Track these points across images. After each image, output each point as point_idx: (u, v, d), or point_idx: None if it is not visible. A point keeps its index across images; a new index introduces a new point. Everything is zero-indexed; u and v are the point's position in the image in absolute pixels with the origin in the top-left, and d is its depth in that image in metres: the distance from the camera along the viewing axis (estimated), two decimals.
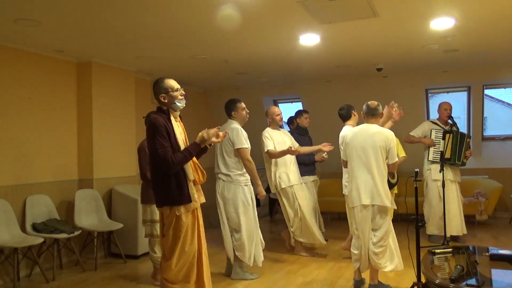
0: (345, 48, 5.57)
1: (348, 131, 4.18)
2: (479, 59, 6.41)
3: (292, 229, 5.35)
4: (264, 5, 3.86)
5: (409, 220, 3.61)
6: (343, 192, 4.77)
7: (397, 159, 3.92)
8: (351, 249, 4.02)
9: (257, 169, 4.63)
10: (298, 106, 8.61)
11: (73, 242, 5.16)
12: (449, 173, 5.64)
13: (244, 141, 4.41)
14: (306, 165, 5.66)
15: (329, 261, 5.14)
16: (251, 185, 4.61)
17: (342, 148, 4.08)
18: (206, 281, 3.19)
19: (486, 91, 7.99)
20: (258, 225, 4.60)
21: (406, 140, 5.93)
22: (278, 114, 5.34)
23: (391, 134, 3.90)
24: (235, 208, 4.42)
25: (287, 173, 5.28)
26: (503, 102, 12.61)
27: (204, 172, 3.27)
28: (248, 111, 4.64)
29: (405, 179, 3.90)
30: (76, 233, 4.86)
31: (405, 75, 7.45)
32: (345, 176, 4.68)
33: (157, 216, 4.17)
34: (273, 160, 5.26)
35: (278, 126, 5.43)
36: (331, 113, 7.63)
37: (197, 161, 3.25)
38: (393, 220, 7.33)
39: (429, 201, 5.79)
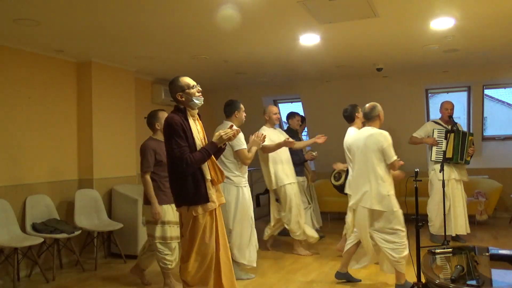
0: (345, 48, 5.57)
1: (348, 136, 4.44)
2: (479, 59, 6.41)
3: (288, 227, 5.39)
4: (264, 5, 3.86)
5: (409, 220, 3.61)
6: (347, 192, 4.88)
7: (395, 157, 3.91)
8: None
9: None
10: (298, 106, 8.61)
11: (73, 242, 5.17)
12: (454, 173, 5.64)
13: (242, 143, 4.43)
14: (296, 165, 5.65)
15: (329, 261, 5.14)
16: (249, 186, 4.66)
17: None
18: (225, 283, 3.10)
19: (486, 91, 7.98)
20: (254, 226, 4.61)
21: (409, 141, 5.93)
22: (276, 113, 5.39)
23: (383, 135, 3.93)
24: (234, 209, 4.44)
25: (284, 171, 5.33)
26: (503, 102, 12.58)
27: (223, 171, 3.23)
28: (245, 114, 4.68)
29: (405, 179, 3.90)
30: (76, 233, 4.86)
31: (405, 75, 7.45)
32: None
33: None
34: (271, 157, 5.28)
35: (274, 125, 5.47)
36: (331, 113, 7.66)
37: (215, 161, 3.19)
38: None
39: (435, 201, 5.73)
